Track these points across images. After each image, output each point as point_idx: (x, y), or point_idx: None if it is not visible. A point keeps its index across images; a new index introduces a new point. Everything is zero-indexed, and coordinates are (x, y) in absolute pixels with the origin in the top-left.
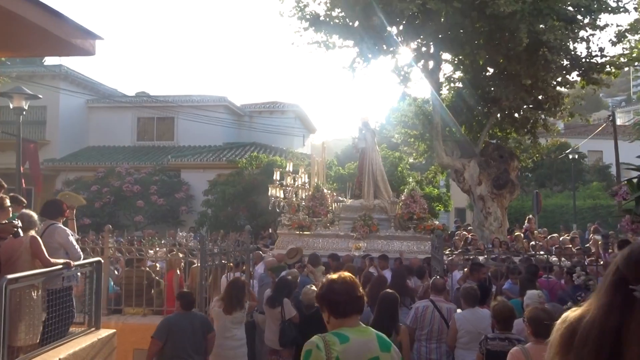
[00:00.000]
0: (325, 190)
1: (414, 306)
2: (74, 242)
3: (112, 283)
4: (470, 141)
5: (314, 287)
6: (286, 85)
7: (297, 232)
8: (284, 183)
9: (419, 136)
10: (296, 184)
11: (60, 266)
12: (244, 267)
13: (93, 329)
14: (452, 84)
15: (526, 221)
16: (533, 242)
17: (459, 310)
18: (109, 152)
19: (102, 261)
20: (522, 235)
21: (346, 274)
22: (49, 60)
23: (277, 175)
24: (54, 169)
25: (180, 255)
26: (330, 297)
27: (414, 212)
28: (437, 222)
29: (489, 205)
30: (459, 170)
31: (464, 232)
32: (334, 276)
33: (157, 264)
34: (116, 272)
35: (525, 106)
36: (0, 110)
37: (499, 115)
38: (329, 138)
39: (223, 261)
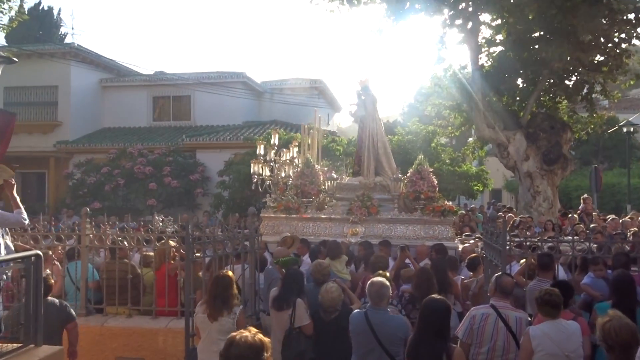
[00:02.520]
0: (317, 166)
1: (470, 313)
2: None
3: (92, 270)
4: (514, 112)
5: (336, 285)
6: (309, 61)
7: (284, 216)
8: (267, 158)
9: (455, 107)
10: (284, 158)
11: None
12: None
13: (31, 345)
14: (492, 49)
15: (582, 201)
16: (592, 226)
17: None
18: (123, 134)
19: (40, 256)
20: (576, 217)
21: None
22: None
23: (260, 150)
24: (67, 151)
25: (172, 244)
26: None
27: (421, 190)
28: (448, 203)
29: (538, 183)
30: (502, 144)
31: (510, 215)
32: None
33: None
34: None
35: (580, 69)
36: (11, 91)
37: (548, 81)
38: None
39: (219, 251)
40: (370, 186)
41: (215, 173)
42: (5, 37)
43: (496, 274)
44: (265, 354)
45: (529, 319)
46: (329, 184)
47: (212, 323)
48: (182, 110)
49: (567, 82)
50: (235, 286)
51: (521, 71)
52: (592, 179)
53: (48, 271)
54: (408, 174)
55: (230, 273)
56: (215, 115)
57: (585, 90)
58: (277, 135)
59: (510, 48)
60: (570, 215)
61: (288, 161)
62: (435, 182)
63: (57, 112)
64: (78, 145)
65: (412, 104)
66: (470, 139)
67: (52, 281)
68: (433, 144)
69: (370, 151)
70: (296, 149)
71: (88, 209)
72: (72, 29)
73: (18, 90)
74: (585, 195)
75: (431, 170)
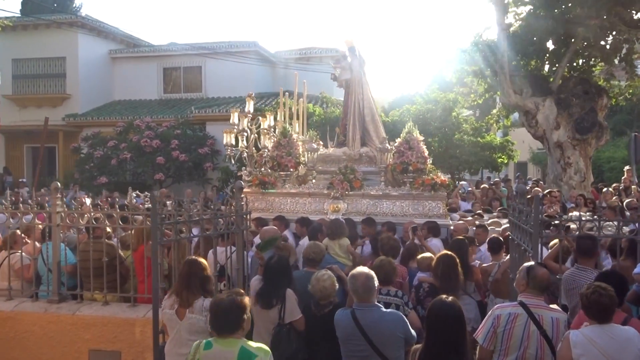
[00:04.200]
0: (294, 136)
1: (494, 313)
2: None
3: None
4: (543, 77)
5: (329, 272)
6: (324, 30)
7: (259, 191)
8: (240, 127)
9: (479, 73)
10: (260, 127)
11: None
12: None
13: None
14: (519, 9)
15: (625, 173)
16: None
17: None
18: (133, 107)
19: None
20: (612, 191)
21: None
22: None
23: (234, 118)
24: (76, 124)
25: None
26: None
27: (409, 162)
28: (442, 176)
29: (569, 154)
30: (530, 112)
31: (537, 189)
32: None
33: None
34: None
35: (619, 26)
36: (19, 62)
37: (582, 43)
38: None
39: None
40: (355, 157)
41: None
42: (21, 10)
43: (527, 265)
44: (246, 316)
45: (566, 319)
46: (309, 155)
47: (181, 321)
48: (193, 82)
49: (603, 42)
50: (210, 274)
51: (552, 31)
52: (632, 149)
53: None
54: (396, 144)
55: (202, 260)
56: (227, 86)
57: (624, 51)
58: (251, 102)
59: (540, 5)
60: (604, 190)
61: (265, 130)
62: (426, 152)
63: (66, 84)
64: (87, 118)
65: (435, 75)
66: (495, 110)
67: None
68: (454, 114)
69: (356, 118)
70: (272, 117)
71: (59, 184)
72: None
73: (26, 62)
74: (627, 167)
75: (422, 139)
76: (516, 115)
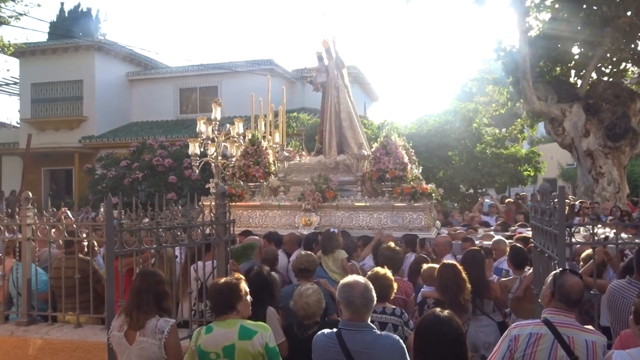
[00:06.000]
0: (263, 144)
1: (511, 333)
2: None
3: (35, 271)
4: (569, 83)
5: (315, 287)
6: (344, 47)
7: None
8: (205, 135)
9: (500, 81)
10: (227, 137)
11: None
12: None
13: None
14: (540, 15)
15: None
16: None
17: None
18: (149, 127)
19: None
20: None
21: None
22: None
23: (200, 126)
24: (92, 146)
25: None
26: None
27: (386, 169)
28: (426, 185)
29: (601, 163)
30: (556, 119)
31: (571, 197)
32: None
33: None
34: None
35: None
36: (38, 87)
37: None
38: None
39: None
40: (330, 166)
41: None
42: (48, 34)
43: (554, 272)
44: (241, 299)
45: (604, 342)
46: (279, 164)
47: (130, 345)
48: (208, 101)
49: (633, 44)
50: (167, 290)
51: (577, 34)
52: None
53: None
54: (372, 150)
55: (157, 272)
56: (244, 105)
57: None
58: (218, 109)
59: (564, 6)
60: None
61: (234, 138)
62: (406, 158)
63: (83, 106)
64: (103, 140)
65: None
66: (519, 119)
67: None
68: (475, 124)
69: (332, 124)
70: (240, 125)
71: (30, 193)
72: (102, 21)
73: (44, 86)
74: None
75: (400, 144)
76: (542, 128)
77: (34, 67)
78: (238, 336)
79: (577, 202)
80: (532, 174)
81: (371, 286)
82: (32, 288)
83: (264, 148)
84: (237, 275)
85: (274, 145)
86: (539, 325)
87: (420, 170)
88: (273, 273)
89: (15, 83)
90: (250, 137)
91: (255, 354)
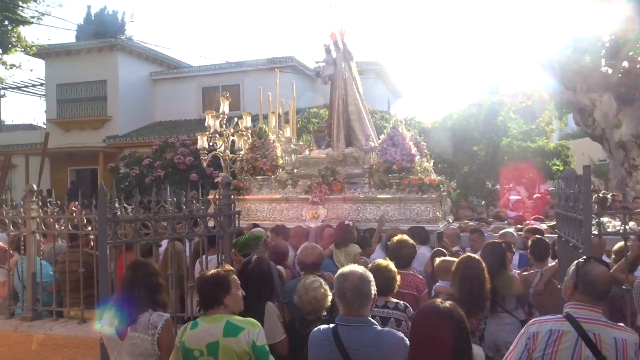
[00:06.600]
0: (271, 136)
1: (529, 330)
2: None
3: (40, 264)
4: (599, 71)
5: (321, 280)
6: (366, 43)
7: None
8: (213, 129)
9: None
10: (235, 131)
11: None
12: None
13: None
14: None
15: None
16: None
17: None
18: (172, 126)
19: None
20: None
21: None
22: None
23: (209, 121)
24: (116, 145)
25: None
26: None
27: (393, 160)
28: (434, 176)
29: (634, 155)
30: (585, 109)
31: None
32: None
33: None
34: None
35: None
36: (63, 87)
37: None
38: (418, 106)
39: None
40: (338, 159)
41: None
42: (76, 36)
43: (578, 261)
44: (228, 292)
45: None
46: (287, 157)
47: (122, 341)
48: (232, 100)
49: None
50: (161, 281)
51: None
52: None
53: None
54: (379, 141)
55: (150, 262)
56: (265, 102)
57: None
58: (226, 103)
59: None
60: None
61: (242, 132)
62: (413, 149)
63: (107, 106)
64: (127, 139)
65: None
66: (546, 111)
67: None
68: (500, 117)
69: (340, 116)
70: (248, 118)
71: (34, 185)
72: (128, 22)
73: (69, 86)
74: None
75: (410, 134)
76: (571, 122)
77: (58, 68)
78: (223, 333)
79: (608, 196)
80: (562, 168)
81: (369, 278)
82: (37, 281)
83: (271, 141)
84: (227, 267)
85: (282, 139)
86: (561, 321)
87: (432, 164)
88: (281, 267)
89: (41, 84)
90: (258, 130)
91: (241, 352)
